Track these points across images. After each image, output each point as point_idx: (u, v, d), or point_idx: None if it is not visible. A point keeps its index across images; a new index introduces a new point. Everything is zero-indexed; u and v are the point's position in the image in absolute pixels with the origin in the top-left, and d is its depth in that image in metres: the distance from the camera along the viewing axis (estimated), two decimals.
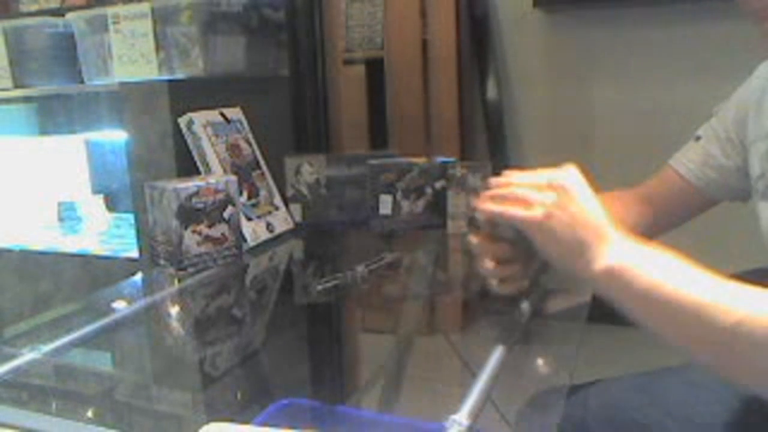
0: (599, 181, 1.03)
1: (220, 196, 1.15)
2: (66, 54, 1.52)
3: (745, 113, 0.91)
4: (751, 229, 0.89)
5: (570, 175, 0.73)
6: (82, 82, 1.50)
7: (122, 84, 1.33)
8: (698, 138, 0.98)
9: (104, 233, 1.77)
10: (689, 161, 0.98)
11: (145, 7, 1.35)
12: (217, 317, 1.06)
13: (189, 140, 1.28)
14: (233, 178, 1.20)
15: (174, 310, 1.10)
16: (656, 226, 1.00)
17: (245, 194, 1.31)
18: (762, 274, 0.91)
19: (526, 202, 0.72)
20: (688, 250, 0.64)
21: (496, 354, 0.74)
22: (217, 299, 1.14)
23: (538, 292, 0.90)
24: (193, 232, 1.13)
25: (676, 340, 0.63)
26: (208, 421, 0.55)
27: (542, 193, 0.72)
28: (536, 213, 0.71)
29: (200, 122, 1.28)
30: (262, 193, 1.36)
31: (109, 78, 1.43)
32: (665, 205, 1.00)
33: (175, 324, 1.06)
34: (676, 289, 0.61)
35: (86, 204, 1.94)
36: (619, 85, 2.33)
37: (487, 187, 0.79)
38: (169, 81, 1.30)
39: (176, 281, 1.12)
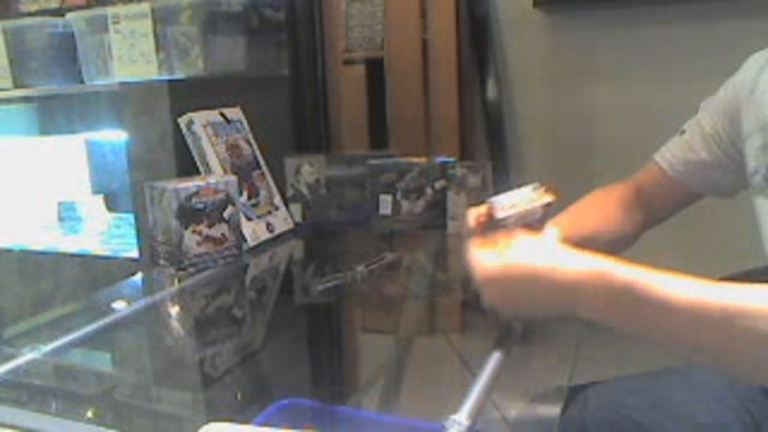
0: (598, 181, 1.03)
1: (220, 196, 1.15)
2: (66, 54, 1.52)
3: (736, 107, 0.89)
4: (749, 226, 0.89)
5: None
6: (82, 82, 1.50)
7: (122, 84, 1.33)
8: (683, 132, 0.98)
9: (104, 233, 1.77)
10: (671, 155, 0.97)
11: (145, 7, 1.35)
12: (217, 317, 1.06)
13: (189, 140, 1.28)
14: (233, 178, 1.20)
15: (174, 310, 1.10)
16: (647, 219, 1.00)
17: (245, 194, 1.31)
18: (758, 274, 0.91)
19: None
20: (683, 247, 0.63)
21: (496, 354, 0.73)
22: (217, 299, 1.14)
23: None
24: (193, 232, 1.13)
25: (676, 345, 0.63)
26: (208, 421, 0.55)
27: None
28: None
29: (200, 122, 1.28)
30: (262, 193, 1.36)
31: (109, 78, 1.43)
32: (652, 198, 1.00)
33: (175, 324, 1.06)
34: (668, 295, 0.60)
35: (86, 204, 1.94)
36: (619, 86, 2.32)
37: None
38: (169, 81, 1.30)
39: (176, 281, 1.12)
